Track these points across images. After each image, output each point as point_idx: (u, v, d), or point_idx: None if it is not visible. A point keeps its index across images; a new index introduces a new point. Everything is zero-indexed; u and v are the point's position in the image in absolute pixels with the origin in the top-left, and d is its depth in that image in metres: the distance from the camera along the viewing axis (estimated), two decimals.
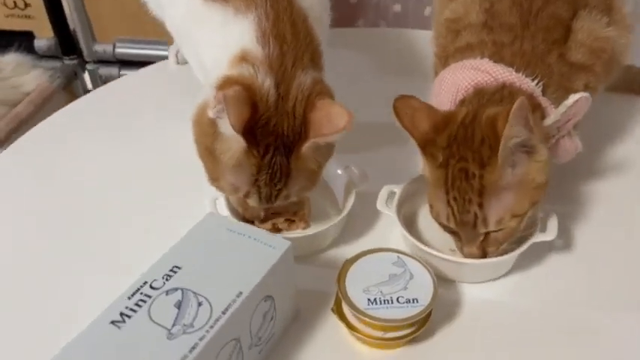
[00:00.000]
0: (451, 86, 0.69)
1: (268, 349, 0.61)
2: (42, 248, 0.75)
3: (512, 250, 0.66)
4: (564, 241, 0.73)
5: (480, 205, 0.61)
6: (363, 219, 0.76)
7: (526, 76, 0.67)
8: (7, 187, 0.86)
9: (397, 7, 1.40)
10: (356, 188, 0.75)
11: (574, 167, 0.76)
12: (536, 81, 0.67)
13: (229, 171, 0.64)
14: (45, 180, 0.88)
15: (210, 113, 0.61)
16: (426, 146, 0.64)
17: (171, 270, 0.56)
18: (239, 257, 0.58)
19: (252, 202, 0.67)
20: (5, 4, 1.68)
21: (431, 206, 0.67)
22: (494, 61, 0.68)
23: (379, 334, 0.60)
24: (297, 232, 0.72)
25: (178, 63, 1.13)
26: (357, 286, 0.62)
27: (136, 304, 0.53)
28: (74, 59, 1.72)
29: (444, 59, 0.77)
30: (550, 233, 0.67)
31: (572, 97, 0.63)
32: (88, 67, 1.71)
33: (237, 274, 0.56)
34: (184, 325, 0.51)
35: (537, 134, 0.61)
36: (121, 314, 0.52)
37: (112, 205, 0.81)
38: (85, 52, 1.70)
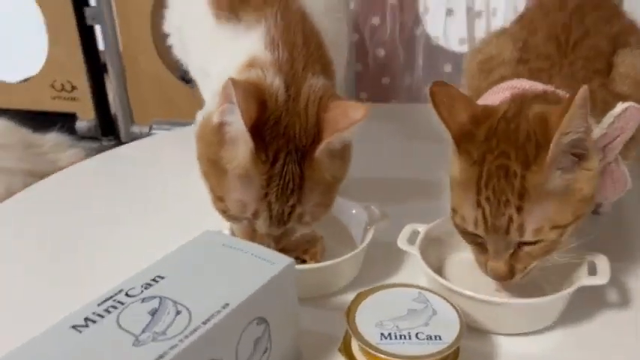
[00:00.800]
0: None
1: None
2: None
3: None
4: (619, 294, 0.62)
5: (519, 209, 0.53)
6: (381, 260, 0.67)
7: None
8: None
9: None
10: (375, 226, 0.67)
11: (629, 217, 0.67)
12: None
13: (236, 184, 0.58)
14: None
15: (215, 118, 0.57)
16: (462, 140, 0.56)
17: (153, 279, 0.49)
18: (232, 270, 0.51)
19: (262, 224, 0.59)
20: (53, 87, 1.77)
21: (454, 210, 0.58)
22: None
23: None
24: (306, 265, 0.63)
25: None
26: (370, 319, 0.52)
27: (105, 310, 0.45)
28: (111, 140, 1.77)
29: (476, 98, 0.72)
30: (601, 277, 0.57)
31: (621, 106, 0.56)
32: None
33: (226, 286, 0.48)
34: (155, 332, 0.43)
35: (591, 139, 0.54)
36: (86, 319, 0.44)
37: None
38: (123, 134, 1.74)
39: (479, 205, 0.55)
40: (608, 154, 0.59)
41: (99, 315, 0.45)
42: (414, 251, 0.62)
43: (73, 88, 1.76)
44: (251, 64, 0.61)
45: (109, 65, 1.67)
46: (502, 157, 0.54)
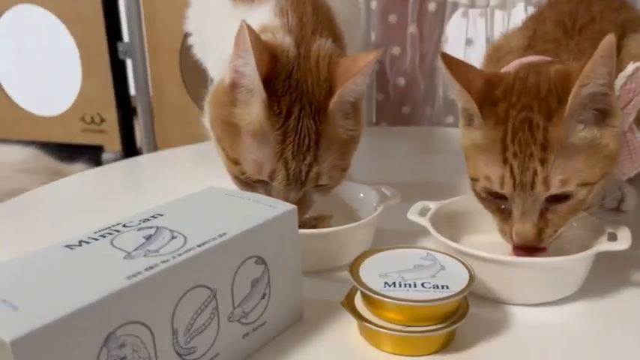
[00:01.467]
0: None
1: (257, 340, 0.48)
2: None
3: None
4: None
5: (543, 162, 0.51)
6: (390, 237, 0.65)
7: None
8: None
9: (450, 119, 1.39)
10: (385, 205, 0.66)
11: None
12: None
13: (251, 142, 0.57)
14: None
15: (228, 77, 0.58)
16: (484, 104, 0.55)
17: (152, 216, 0.48)
18: (232, 210, 0.49)
19: (279, 186, 0.58)
20: (83, 120, 1.83)
21: (474, 180, 0.56)
22: None
23: (398, 326, 0.47)
24: (314, 230, 0.62)
25: None
26: (374, 272, 0.50)
27: (101, 235, 0.44)
28: None
29: None
30: (622, 243, 0.54)
31: (632, 65, 0.55)
32: None
33: (226, 221, 0.47)
34: (148, 250, 0.42)
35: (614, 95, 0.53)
36: (80, 241, 0.43)
37: None
38: None
39: (506, 161, 0.53)
40: (623, 120, 0.58)
41: (93, 238, 0.44)
42: (424, 222, 0.60)
43: (102, 120, 1.81)
44: (262, 30, 0.62)
45: (137, 98, 1.73)
46: (526, 110, 0.54)
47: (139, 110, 1.75)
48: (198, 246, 0.42)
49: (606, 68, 0.51)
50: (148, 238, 0.44)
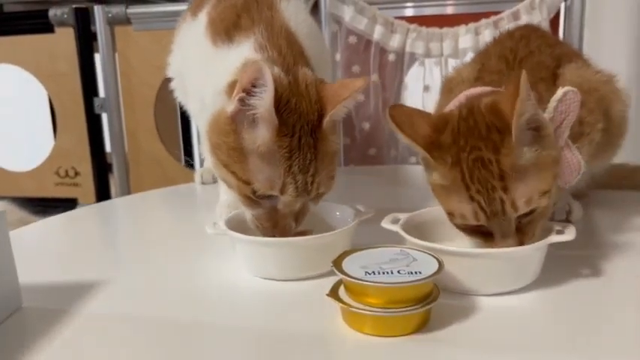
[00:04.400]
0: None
1: None
2: None
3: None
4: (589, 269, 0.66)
5: (505, 189, 0.59)
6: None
7: None
8: None
9: (413, 159, 1.48)
10: (361, 218, 0.73)
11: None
12: None
13: (262, 163, 0.65)
14: None
15: (232, 107, 0.65)
16: (433, 149, 0.63)
17: None
18: None
19: (288, 197, 0.65)
20: (57, 173, 1.86)
21: (451, 214, 0.64)
22: None
23: (378, 310, 0.53)
24: (291, 238, 0.68)
25: (203, 183, 1.20)
26: (355, 265, 0.56)
27: None
28: None
29: None
30: (568, 235, 0.62)
31: (561, 90, 0.64)
32: None
33: None
34: None
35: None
36: None
37: None
38: None
39: (472, 199, 0.61)
40: (558, 138, 0.66)
41: None
42: (396, 229, 0.67)
43: (77, 174, 1.84)
44: (246, 64, 0.70)
45: (113, 151, 1.78)
46: (475, 151, 0.61)
47: (114, 162, 1.80)
48: None
49: (527, 97, 0.59)
50: None
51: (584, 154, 0.73)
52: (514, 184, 0.59)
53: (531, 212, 0.61)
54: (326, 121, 0.66)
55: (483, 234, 0.63)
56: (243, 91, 0.64)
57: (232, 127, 0.66)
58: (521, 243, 0.61)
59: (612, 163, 0.92)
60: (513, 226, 0.61)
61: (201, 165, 1.31)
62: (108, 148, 1.81)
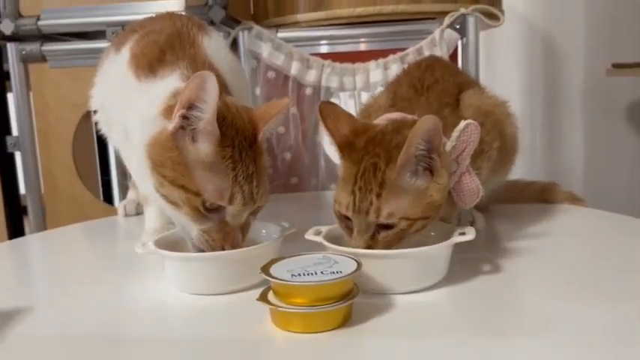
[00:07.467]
0: None
1: None
2: None
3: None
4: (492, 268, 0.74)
5: (378, 195, 0.67)
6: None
7: None
8: None
9: (333, 186, 1.56)
10: (286, 233, 0.77)
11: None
12: None
13: (207, 174, 0.69)
14: None
15: (174, 124, 0.69)
16: (345, 147, 0.72)
17: None
18: None
19: (236, 207, 0.70)
20: None
21: (335, 201, 0.72)
22: None
23: (305, 308, 0.57)
24: (217, 253, 0.72)
25: (126, 215, 1.21)
26: (282, 269, 0.61)
27: None
28: None
29: None
30: (470, 235, 0.70)
31: (463, 122, 0.73)
32: None
33: None
34: None
35: (442, 160, 0.69)
36: None
37: None
38: None
39: (353, 192, 0.69)
40: (460, 164, 0.75)
41: None
42: (319, 239, 0.73)
43: None
44: (176, 93, 0.74)
45: (27, 190, 1.73)
46: (375, 157, 0.70)
47: (29, 203, 1.74)
48: None
49: (420, 138, 0.67)
50: None
51: (484, 169, 0.83)
52: (387, 195, 0.68)
53: (390, 227, 0.69)
54: (260, 136, 0.72)
55: (350, 230, 0.71)
56: (188, 103, 0.68)
57: (175, 144, 0.70)
58: (369, 247, 0.69)
59: (508, 179, 1.03)
60: (371, 229, 0.69)
61: (123, 198, 1.31)
62: (22, 189, 1.76)
